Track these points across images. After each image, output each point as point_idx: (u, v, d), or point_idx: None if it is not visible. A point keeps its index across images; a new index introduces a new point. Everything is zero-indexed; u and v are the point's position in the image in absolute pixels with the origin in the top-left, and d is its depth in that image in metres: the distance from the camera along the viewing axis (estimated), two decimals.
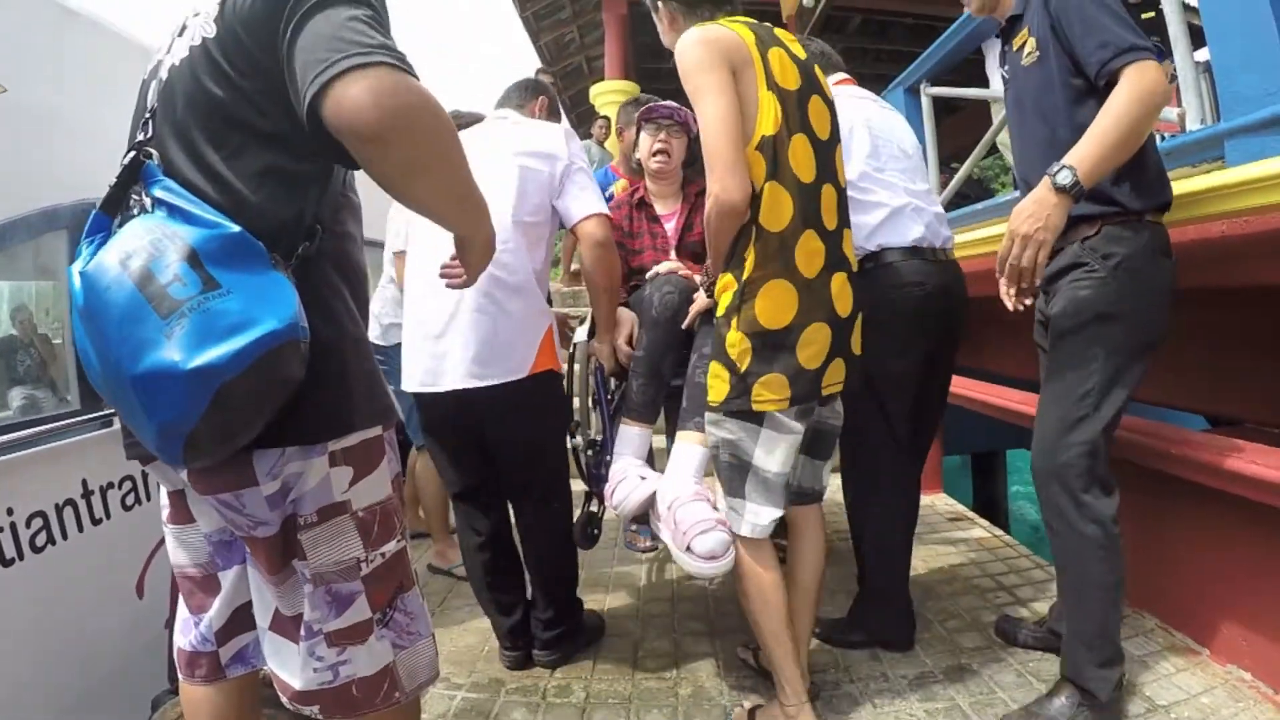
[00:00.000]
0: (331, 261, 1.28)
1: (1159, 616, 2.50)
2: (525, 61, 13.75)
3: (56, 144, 2.73)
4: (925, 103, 4.73)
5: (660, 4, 2.05)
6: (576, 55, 14.21)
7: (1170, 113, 2.99)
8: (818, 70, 1.97)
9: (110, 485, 2.43)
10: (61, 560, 2.21)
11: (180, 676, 1.45)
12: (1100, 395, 1.90)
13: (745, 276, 1.78)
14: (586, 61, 14.29)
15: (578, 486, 2.55)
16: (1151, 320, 1.91)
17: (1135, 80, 1.70)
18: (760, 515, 1.88)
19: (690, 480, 2.08)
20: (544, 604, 2.48)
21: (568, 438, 2.57)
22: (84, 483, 2.34)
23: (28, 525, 2.13)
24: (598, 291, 2.40)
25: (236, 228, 1.10)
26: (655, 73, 12.59)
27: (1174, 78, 4.61)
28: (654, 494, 2.20)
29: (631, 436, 2.38)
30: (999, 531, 3.55)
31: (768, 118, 1.75)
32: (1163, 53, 4.71)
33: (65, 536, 2.24)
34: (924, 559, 3.26)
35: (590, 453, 2.68)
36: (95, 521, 2.36)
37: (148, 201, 1.14)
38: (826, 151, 1.88)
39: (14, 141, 2.44)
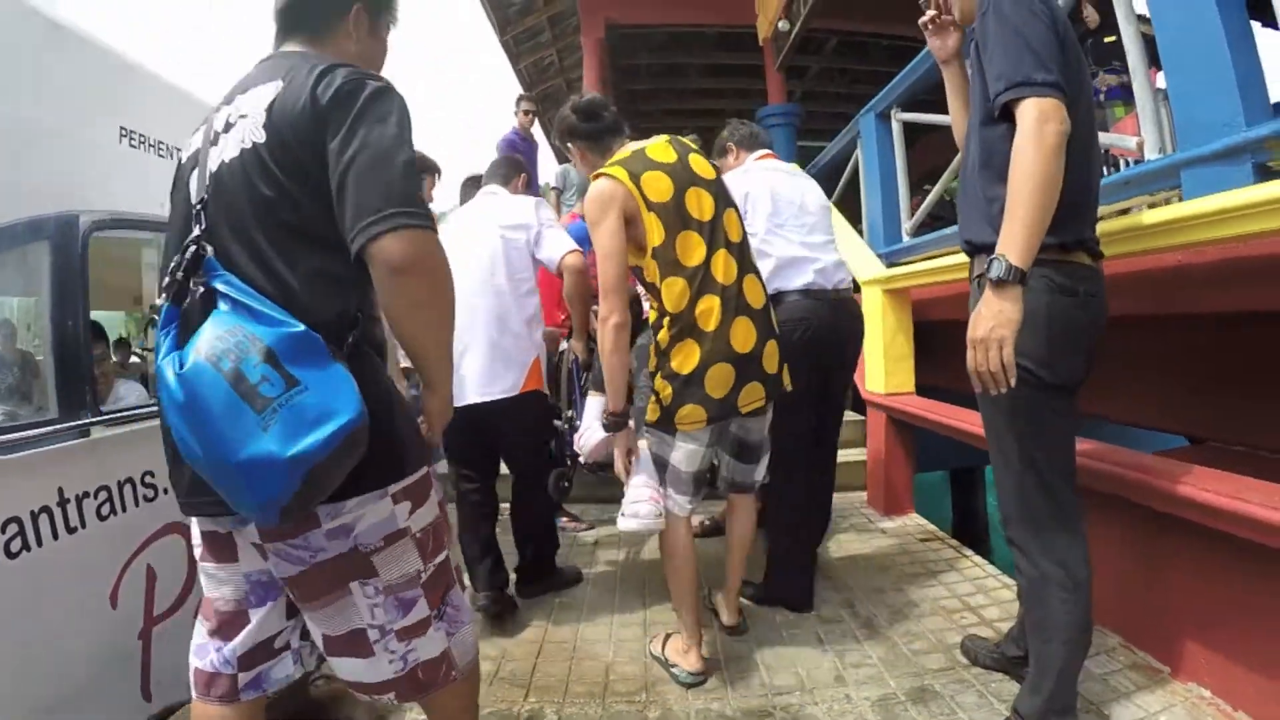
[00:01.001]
0: (369, 342, 1.49)
1: (1122, 634, 2.53)
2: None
3: (43, 154, 2.75)
4: (896, 128, 4.80)
5: (570, 145, 2.61)
6: (556, 78, 14.23)
7: (1129, 141, 3.05)
8: (693, 160, 2.46)
9: (86, 494, 2.41)
10: (35, 567, 2.20)
11: (195, 694, 1.58)
12: (1030, 446, 1.89)
13: (664, 345, 2.34)
14: (566, 84, 14.31)
15: None
16: (1055, 364, 1.84)
17: (1024, 125, 1.65)
18: (676, 502, 2.48)
19: (643, 475, 2.51)
20: (524, 568, 3.32)
21: (555, 421, 3.49)
22: (60, 491, 2.33)
23: (3, 530, 2.12)
24: (576, 303, 3.17)
25: (301, 326, 1.28)
26: (633, 94, 12.69)
27: (1126, 86, 4.69)
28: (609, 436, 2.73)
29: (595, 403, 3.07)
30: (969, 552, 3.56)
31: (653, 234, 2.31)
32: (1118, 70, 4.80)
33: (40, 543, 2.23)
34: (892, 580, 3.30)
35: (567, 427, 3.58)
36: (70, 530, 2.34)
37: (205, 291, 1.30)
38: (713, 226, 2.38)
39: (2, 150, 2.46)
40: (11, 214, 2.51)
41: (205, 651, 1.57)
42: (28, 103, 2.72)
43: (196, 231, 1.36)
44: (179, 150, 4.79)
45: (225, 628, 1.56)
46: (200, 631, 1.59)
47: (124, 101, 4.30)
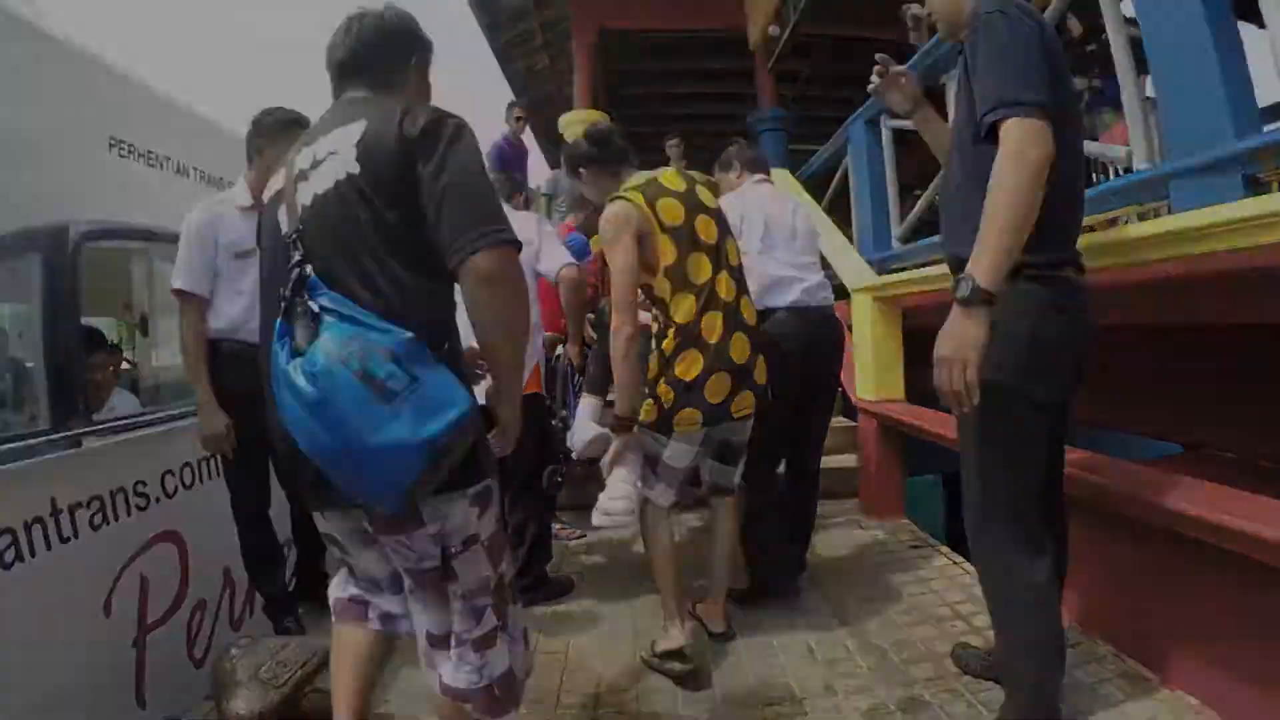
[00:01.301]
0: (454, 347, 1.62)
1: (1111, 643, 2.53)
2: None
3: (33, 164, 2.75)
4: (885, 135, 4.80)
5: (580, 170, 2.78)
6: (548, 83, 14.18)
7: (1119, 152, 3.05)
8: (700, 190, 2.67)
9: (79, 505, 2.41)
10: (29, 578, 2.20)
11: (334, 620, 1.85)
12: (1002, 462, 1.90)
13: (668, 353, 2.53)
14: (558, 89, 14.24)
15: None
16: (1040, 382, 1.85)
17: (1006, 146, 1.65)
18: (661, 495, 2.66)
19: (624, 471, 2.61)
20: (515, 577, 3.16)
21: (552, 422, 3.71)
22: (52, 501, 2.32)
23: None
24: (572, 311, 3.50)
25: (408, 333, 1.41)
26: (623, 99, 12.66)
27: (1097, 90, 4.69)
28: (600, 434, 3.05)
29: (588, 404, 3.40)
30: (959, 558, 3.56)
31: (666, 253, 2.51)
32: (1090, 76, 4.80)
33: (33, 554, 2.23)
34: (883, 588, 3.31)
35: (562, 426, 3.82)
36: (63, 540, 2.34)
37: (315, 307, 1.44)
38: (717, 250, 2.60)
39: None
40: (1, 223, 2.50)
41: (346, 586, 1.83)
42: (17, 112, 2.72)
43: (297, 257, 1.50)
44: (169, 160, 4.79)
45: (368, 588, 1.80)
46: (344, 572, 1.84)
47: (114, 112, 4.31)
